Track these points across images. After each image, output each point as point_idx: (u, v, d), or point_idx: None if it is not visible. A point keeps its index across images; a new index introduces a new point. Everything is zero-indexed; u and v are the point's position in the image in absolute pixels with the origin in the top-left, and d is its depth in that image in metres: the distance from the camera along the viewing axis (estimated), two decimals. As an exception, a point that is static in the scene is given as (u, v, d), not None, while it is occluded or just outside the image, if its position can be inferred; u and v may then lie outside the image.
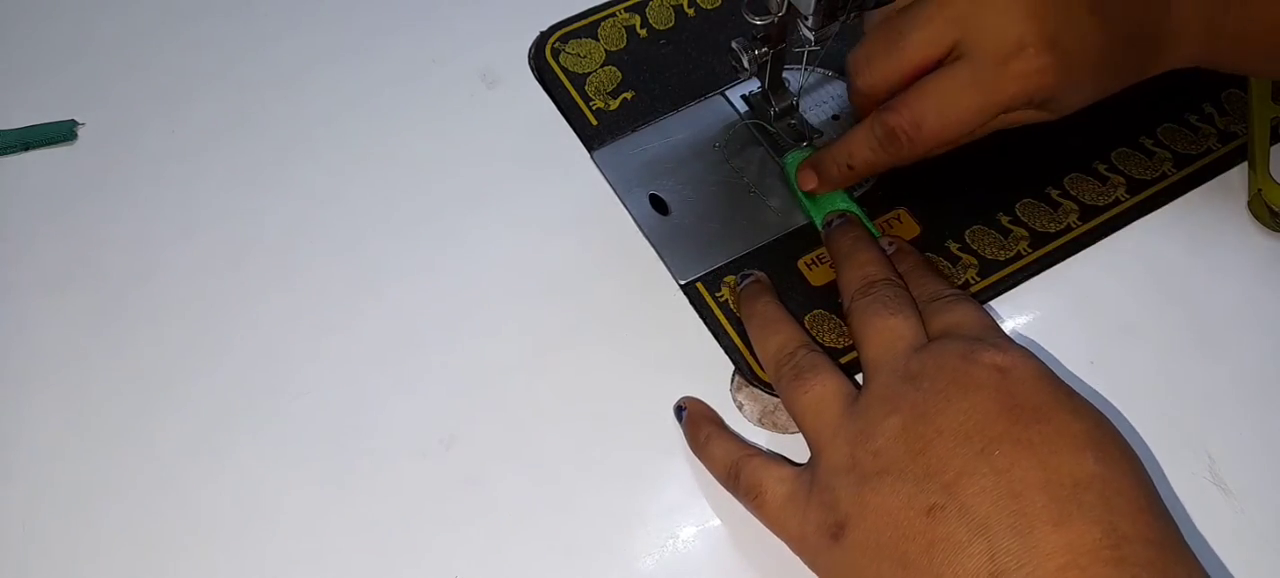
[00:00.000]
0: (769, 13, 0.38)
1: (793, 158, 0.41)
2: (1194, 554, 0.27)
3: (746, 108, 0.44)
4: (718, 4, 0.48)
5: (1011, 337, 0.32)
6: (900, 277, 0.36)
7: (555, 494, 0.35)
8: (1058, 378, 0.30)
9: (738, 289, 0.38)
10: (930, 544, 0.27)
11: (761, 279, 0.39)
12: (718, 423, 0.35)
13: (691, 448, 0.35)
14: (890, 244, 0.39)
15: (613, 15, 0.48)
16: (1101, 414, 0.29)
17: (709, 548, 0.34)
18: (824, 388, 0.32)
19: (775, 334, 0.35)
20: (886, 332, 0.33)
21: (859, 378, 0.34)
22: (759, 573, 0.34)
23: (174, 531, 0.35)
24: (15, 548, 0.34)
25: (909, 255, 0.38)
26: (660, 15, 0.48)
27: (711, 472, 0.34)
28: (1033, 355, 0.30)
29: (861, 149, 0.38)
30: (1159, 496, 0.28)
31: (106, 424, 0.37)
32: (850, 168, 0.38)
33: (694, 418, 0.36)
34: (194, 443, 0.36)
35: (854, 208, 0.40)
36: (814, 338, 0.37)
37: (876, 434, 0.30)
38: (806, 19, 0.37)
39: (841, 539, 0.29)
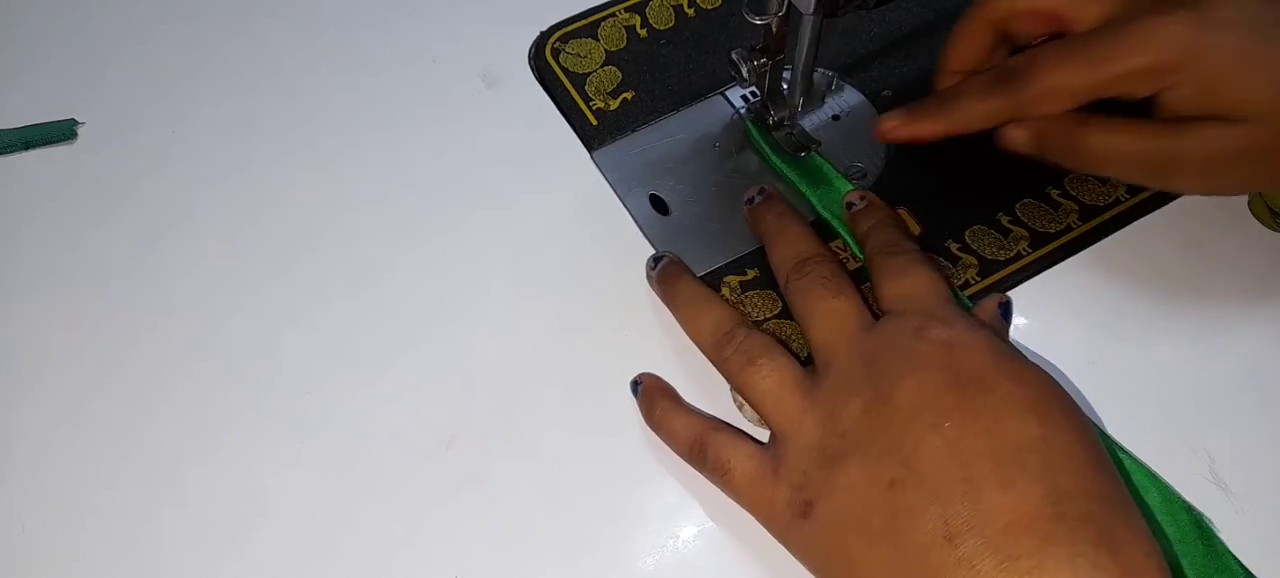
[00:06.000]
0: (768, 12, 0.38)
1: (754, 127, 0.43)
2: (1136, 507, 0.28)
3: (746, 107, 0.44)
4: (718, 4, 0.48)
5: (961, 311, 0.33)
6: (830, 249, 0.37)
7: (555, 494, 0.35)
8: (1004, 347, 0.31)
9: (651, 272, 0.39)
10: (893, 515, 0.28)
11: (675, 260, 0.39)
12: (674, 397, 0.36)
13: (647, 422, 0.36)
14: (862, 199, 0.39)
15: (613, 15, 0.48)
16: (1046, 378, 0.30)
17: (709, 548, 0.34)
18: (781, 373, 0.33)
19: (706, 314, 0.36)
20: (832, 315, 0.34)
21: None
22: (759, 574, 0.34)
23: (173, 531, 0.35)
24: (15, 548, 0.34)
25: (878, 210, 0.39)
26: (660, 15, 0.48)
27: (671, 446, 0.35)
28: (979, 327, 0.31)
29: (972, 85, 0.36)
30: (1103, 452, 0.29)
31: (106, 424, 0.37)
32: (955, 99, 0.37)
33: (649, 392, 0.36)
34: (194, 443, 0.36)
35: (847, 186, 0.41)
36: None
37: (841, 418, 0.31)
38: (806, 18, 0.37)
39: (810, 516, 0.30)
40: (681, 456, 0.35)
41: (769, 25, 0.39)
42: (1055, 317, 0.39)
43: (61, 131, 0.44)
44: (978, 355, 0.30)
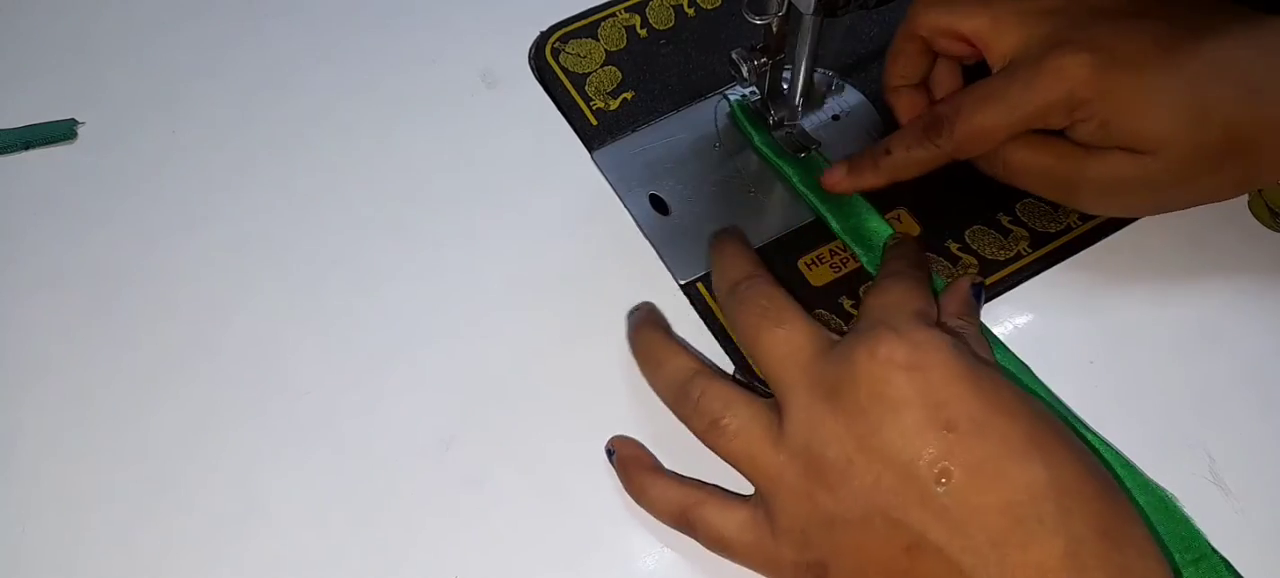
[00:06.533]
0: (768, 12, 0.38)
1: (737, 107, 0.44)
2: (1140, 520, 0.28)
3: (738, 95, 0.45)
4: (718, 4, 0.48)
5: (913, 319, 0.31)
6: (765, 271, 0.35)
7: (555, 495, 0.35)
8: (971, 363, 0.29)
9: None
10: None
11: (643, 310, 0.38)
12: (650, 467, 0.34)
13: (628, 492, 0.34)
14: (895, 241, 0.39)
15: (613, 15, 0.48)
16: (1026, 399, 0.29)
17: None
18: (745, 429, 0.31)
19: (662, 367, 0.34)
20: (779, 345, 0.31)
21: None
22: (758, 575, 0.34)
23: (173, 531, 0.35)
24: (14, 548, 0.34)
25: (910, 250, 0.38)
26: (660, 15, 0.48)
27: (656, 517, 0.33)
28: (932, 337, 0.30)
29: (901, 137, 0.38)
30: (1102, 472, 0.29)
31: (106, 424, 0.37)
32: (887, 153, 0.38)
33: (624, 463, 0.34)
34: (193, 443, 0.36)
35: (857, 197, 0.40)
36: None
37: (824, 470, 0.29)
38: (806, 18, 0.37)
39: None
40: (668, 526, 0.33)
41: (769, 25, 0.39)
42: (1055, 317, 0.39)
43: (61, 131, 0.45)
44: (951, 385, 0.29)
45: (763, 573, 0.32)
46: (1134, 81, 0.34)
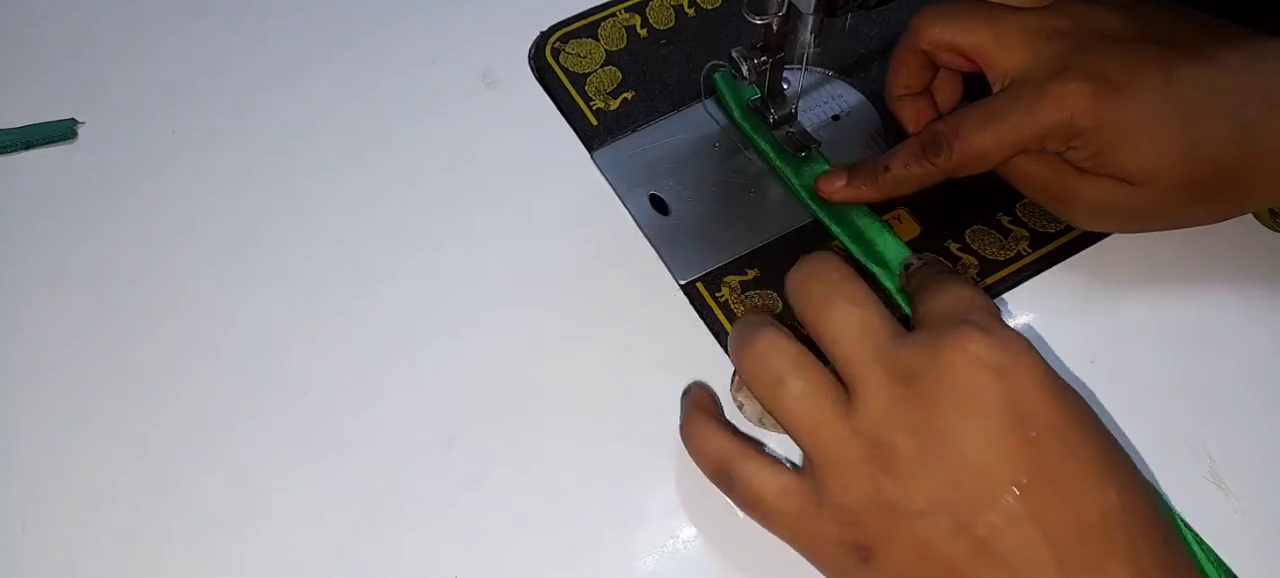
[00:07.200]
0: (768, 12, 0.38)
1: (722, 78, 0.44)
2: (1187, 554, 0.29)
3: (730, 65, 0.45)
4: (718, 4, 0.48)
5: (996, 317, 0.30)
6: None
7: (555, 494, 0.35)
8: (1054, 376, 0.29)
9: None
10: None
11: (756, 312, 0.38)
12: (709, 411, 0.33)
13: (681, 436, 0.33)
14: (919, 258, 0.37)
15: (613, 15, 0.48)
16: (1098, 418, 0.29)
17: (709, 548, 0.34)
18: (815, 395, 0.30)
19: (745, 329, 0.32)
20: (853, 324, 0.30)
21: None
22: (760, 574, 0.34)
23: (173, 531, 0.35)
24: (14, 547, 0.34)
25: (934, 262, 0.37)
26: (660, 15, 0.48)
27: (698, 466, 0.33)
28: (1022, 343, 0.29)
29: (899, 155, 0.39)
30: (1155, 495, 0.29)
31: (105, 424, 0.37)
32: (886, 170, 0.39)
33: (689, 404, 0.34)
34: (193, 443, 0.36)
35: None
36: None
37: (893, 459, 0.28)
38: (806, 18, 0.37)
39: (872, 562, 0.29)
40: (706, 476, 0.32)
41: (769, 25, 0.39)
42: (1055, 316, 0.39)
43: (61, 131, 0.45)
44: (1036, 393, 0.28)
45: (795, 544, 0.31)
46: (1129, 115, 0.34)
